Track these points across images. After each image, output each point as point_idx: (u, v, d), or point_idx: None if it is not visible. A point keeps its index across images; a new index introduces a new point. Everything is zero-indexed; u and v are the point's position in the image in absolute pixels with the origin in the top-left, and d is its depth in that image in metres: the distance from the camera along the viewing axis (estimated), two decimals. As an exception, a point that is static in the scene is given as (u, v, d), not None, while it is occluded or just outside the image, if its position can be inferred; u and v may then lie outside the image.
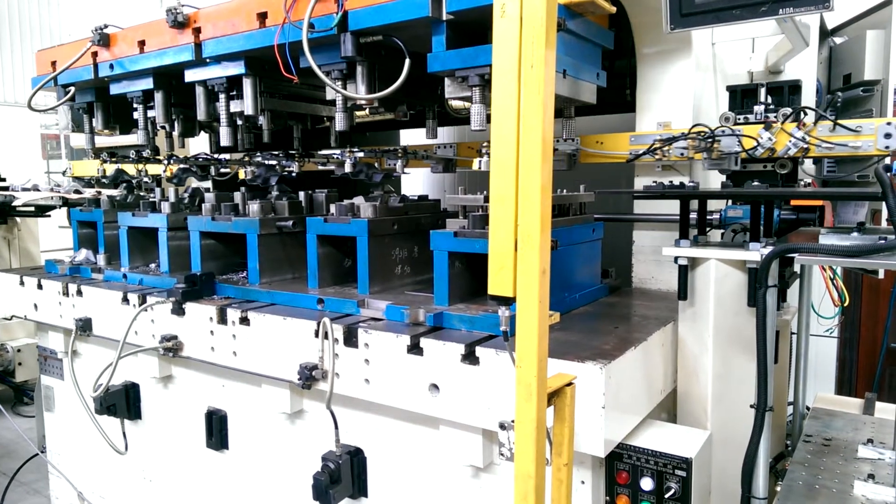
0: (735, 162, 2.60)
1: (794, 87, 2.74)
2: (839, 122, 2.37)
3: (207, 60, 3.15)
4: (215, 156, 4.57)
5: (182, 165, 4.37)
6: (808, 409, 3.15)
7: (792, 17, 2.28)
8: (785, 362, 3.04)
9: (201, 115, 3.37)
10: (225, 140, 3.33)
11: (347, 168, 3.73)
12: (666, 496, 2.13)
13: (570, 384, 1.86)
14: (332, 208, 3.03)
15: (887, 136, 2.27)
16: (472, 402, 2.20)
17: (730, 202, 2.89)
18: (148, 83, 3.51)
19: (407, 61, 2.61)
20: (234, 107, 3.27)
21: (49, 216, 6.34)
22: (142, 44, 3.38)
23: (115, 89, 3.72)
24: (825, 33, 3.53)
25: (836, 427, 2.81)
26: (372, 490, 2.67)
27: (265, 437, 3.01)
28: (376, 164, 3.94)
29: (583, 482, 2.19)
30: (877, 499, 2.19)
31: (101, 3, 4.12)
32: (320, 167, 4.20)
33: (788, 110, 2.40)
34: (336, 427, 2.55)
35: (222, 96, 3.26)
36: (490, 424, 2.15)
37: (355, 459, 2.64)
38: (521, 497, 1.69)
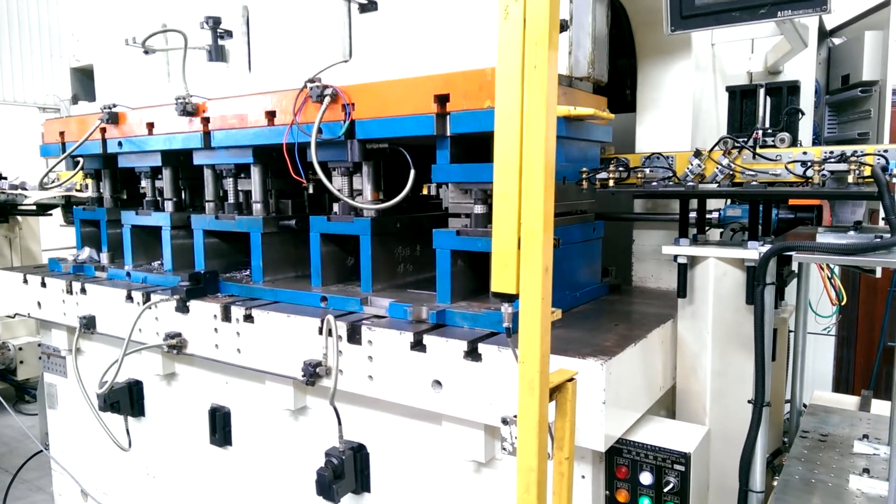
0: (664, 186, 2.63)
1: (793, 88, 2.76)
2: (758, 152, 2.42)
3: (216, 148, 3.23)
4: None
5: None
6: (805, 406, 3.18)
7: (790, 19, 2.31)
8: (782, 360, 3.07)
9: (209, 195, 3.47)
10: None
11: None
12: (665, 490, 2.16)
13: (571, 380, 1.89)
14: (336, 207, 3.06)
15: (802, 164, 2.31)
16: (474, 398, 2.23)
17: (729, 201, 2.92)
18: (156, 160, 3.58)
19: (412, 172, 2.73)
20: (243, 185, 3.36)
21: (51, 215, 6.37)
22: (150, 125, 3.44)
23: (123, 163, 3.80)
24: (824, 34, 3.56)
25: (833, 423, 2.85)
26: (375, 485, 2.70)
27: (269, 434, 3.04)
28: None
29: (583, 476, 2.22)
30: (871, 492, 2.22)
31: (102, 4, 4.11)
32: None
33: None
34: (339, 423, 2.58)
35: (230, 179, 3.36)
36: (492, 420, 2.18)
37: (358, 455, 2.67)
38: (524, 489, 1.72)
